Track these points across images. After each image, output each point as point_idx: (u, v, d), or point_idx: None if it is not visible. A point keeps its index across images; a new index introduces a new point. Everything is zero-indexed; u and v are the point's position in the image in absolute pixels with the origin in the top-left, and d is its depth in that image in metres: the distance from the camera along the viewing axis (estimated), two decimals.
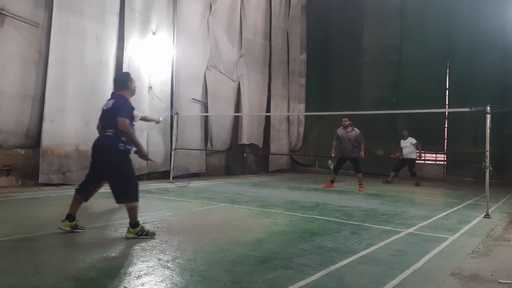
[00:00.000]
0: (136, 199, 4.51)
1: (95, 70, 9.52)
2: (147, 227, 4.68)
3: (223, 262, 3.85)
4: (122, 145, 4.40)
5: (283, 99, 16.41)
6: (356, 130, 10.50)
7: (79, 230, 4.71)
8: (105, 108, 4.62)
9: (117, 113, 4.36)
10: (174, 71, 11.49)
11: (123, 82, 4.75)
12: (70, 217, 4.66)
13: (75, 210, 4.68)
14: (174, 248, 4.28)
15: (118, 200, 4.57)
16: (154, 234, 4.61)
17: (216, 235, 4.97)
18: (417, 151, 12.48)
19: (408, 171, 12.62)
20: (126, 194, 4.48)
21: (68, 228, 4.64)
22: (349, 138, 10.41)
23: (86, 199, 4.79)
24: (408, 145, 12.45)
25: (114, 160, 4.47)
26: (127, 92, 4.70)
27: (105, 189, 8.75)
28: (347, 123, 10.49)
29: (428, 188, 11.52)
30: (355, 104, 15.21)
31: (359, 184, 10.34)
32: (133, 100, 10.59)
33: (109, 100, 4.66)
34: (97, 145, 4.57)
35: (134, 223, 4.51)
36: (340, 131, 10.61)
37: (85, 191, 4.73)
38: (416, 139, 12.63)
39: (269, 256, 4.08)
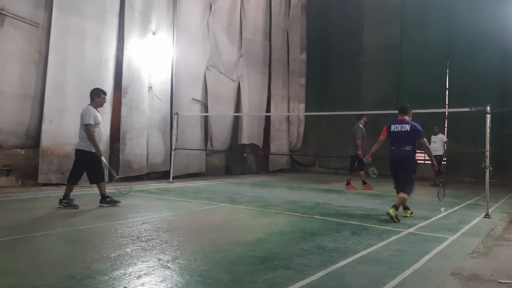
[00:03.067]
0: (409, 194, 6.36)
1: (95, 70, 9.52)
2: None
3: (223, 262, 3.85)
4: (415, 156, 6.56)
5: (283, 99, 16.40)
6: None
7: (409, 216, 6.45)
8: (397, 130, 6.53)
9: (421, 136, 6.41)
10: (174, 71, 11.49)
11: (409, 110, 6.74)
12: (396, 206, 6.23)
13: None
14: (174, 248, 4.28)
15: (398, 190, 6.44)
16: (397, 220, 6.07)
17: (216, 235, 4.97)
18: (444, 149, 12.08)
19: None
20: (405, 188, 6.34)
21: (408, 215, 6.46)
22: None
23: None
24: (437, 141, 12.07)
25: (409, 165, 6.46)
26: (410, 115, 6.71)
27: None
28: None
29: (428, 188, 11.50)
30: (355, 104, 15.19)
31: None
32: (133, 100, 10.50)
33: (400, 124, 6.57)
34: (399, 156, 6.46)
35: (397, 206, 6.21)
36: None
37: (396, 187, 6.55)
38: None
39: (269, 256, 4.08)
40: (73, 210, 6.26)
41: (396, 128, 6.55)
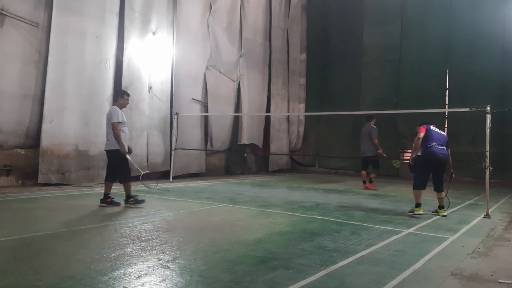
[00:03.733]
0: (442, 190, 6.77)
1: (94, 70, 9.52)
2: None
3: (223, 262, 3.85)
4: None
5: (283, 99, 16.40)
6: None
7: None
8: (437, 131, 6.88)
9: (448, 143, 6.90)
10: (174, 71, 11.48)
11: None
12: (419, 204, 6.72)
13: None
14: (174, 248, 4.29)
15: (438, 189, 6.82)
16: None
17: (216, 235, 4.97)
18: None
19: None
20: (443, 187, 6.77)
21: (422, 212, 6.68)
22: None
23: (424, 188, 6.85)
24: None
25: (445, 163, 6.78)
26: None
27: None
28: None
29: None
30: (355, 104, 15.19)
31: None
32: (133, 101, 10.52)
33: (436, 127, 6.94)
34: (443, 155, 6.71)
35: (441, 206, 6.79)
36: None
37: (424, 186, 6.80)
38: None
39: (269, 256, 4.08)
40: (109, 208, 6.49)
41: (435, 129, 6.91)
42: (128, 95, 7.09)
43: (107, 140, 6.72)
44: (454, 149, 12.84)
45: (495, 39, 13.23)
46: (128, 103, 7.10)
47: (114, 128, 6.52)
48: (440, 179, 6.79)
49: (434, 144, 6.65)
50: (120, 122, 6.58)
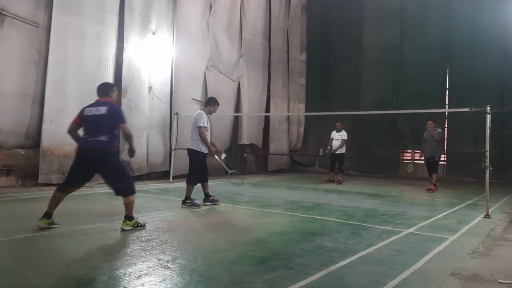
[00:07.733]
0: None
1: (94, 70, 9.52)
2: None
3: (223, 262, 3.85)
4: None
5: (283, 99, 16.39)
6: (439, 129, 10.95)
7: None
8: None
9: None
10: (174, 71, 11.48)
11: None
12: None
13: None
14: (174, 248, 4.29)
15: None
16: None
17: (216, 235, 4.97)
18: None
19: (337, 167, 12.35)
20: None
21: None
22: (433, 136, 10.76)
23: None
24: (339, 139, 12.20)
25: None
26: None
27: (107, 189, 8.72)
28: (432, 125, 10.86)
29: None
30: (355, 104, 15.19)
31: (433, 184, 10.53)
32: (133, 101, 10.56)
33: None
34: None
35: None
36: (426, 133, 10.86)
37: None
38: (416, 139, 12.55)
39: (269, 256, 4.08)
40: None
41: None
42: (218, 104, 7.37)
43: (190, 140, 7.00)
44: (454, 149, 13.00)
45: (495, 40, 13.24)
46: (215, 112, 7.41)
47: (200, 133, 6.78)
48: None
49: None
50: (206, 127, 6.81)
